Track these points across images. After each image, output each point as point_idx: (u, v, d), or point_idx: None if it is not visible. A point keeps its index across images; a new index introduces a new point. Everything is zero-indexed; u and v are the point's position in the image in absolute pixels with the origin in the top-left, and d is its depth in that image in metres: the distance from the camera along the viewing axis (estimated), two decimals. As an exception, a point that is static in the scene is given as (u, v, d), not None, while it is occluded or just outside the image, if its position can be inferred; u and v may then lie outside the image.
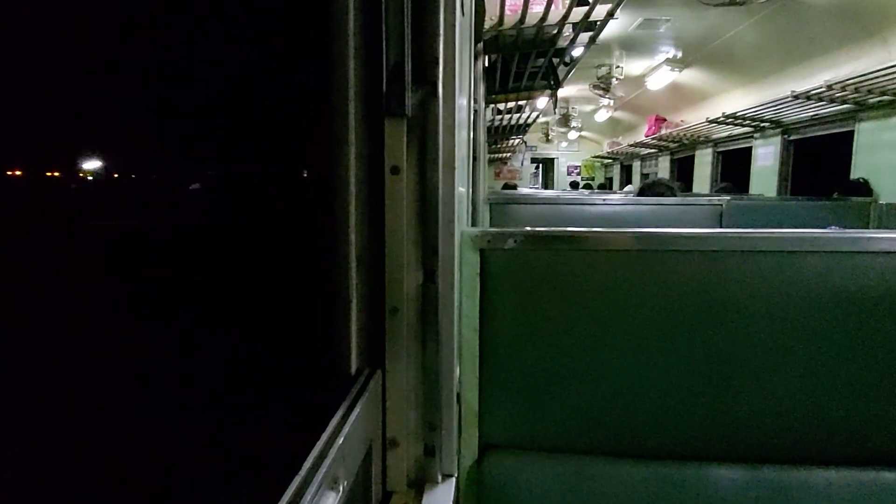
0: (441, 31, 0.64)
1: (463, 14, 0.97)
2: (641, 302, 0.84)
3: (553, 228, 0.87)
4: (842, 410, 0.82)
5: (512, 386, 0.87)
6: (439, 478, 0.76)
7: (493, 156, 9.44)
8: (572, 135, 9.36)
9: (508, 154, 10.03)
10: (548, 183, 11.01)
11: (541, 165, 11.32)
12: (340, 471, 0.51)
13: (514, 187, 7.26)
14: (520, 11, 2.10)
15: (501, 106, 4.60)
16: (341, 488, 0.51)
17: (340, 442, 0.52)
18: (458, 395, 0.88)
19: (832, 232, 0.84)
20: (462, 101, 1.04)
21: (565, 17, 2.14)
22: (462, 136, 0.85)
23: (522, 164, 10.53)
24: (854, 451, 0.82)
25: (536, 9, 2.13)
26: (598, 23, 2.21)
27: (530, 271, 0.86)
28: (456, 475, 0.79)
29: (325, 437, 0.52)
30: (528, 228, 0.86)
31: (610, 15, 2.10)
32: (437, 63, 0.64)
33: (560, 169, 10.59)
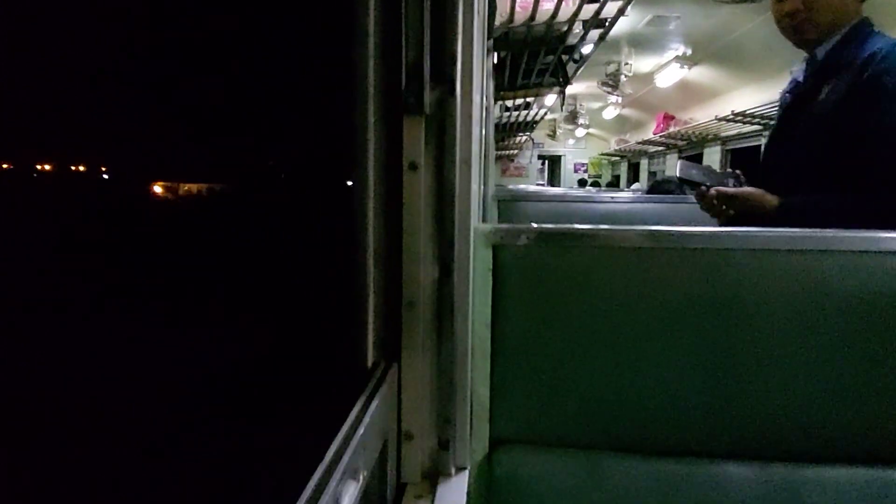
0: (459, 31, 0.65)
1: (478, 13, 0.98)
2: (652, 299, 0.84)
3: (564, 226, 0.87)
4: (853, 409, 0.82)
5: (523, 381, 0.88)
6: (452, 470, 0.77)
7: (499, 153, 9.42)
8: (580, 132, 9.33)
9: (515, 151, 10.02)
10: (554, 180, 10.97)
11: (547, 162, 11.29)
12: (360, 462, 0.52)
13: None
14: (530, 8, 2.10)
15: (509, 103, 4.60)
16: (361, 478, 0.52)
17: (361, 433, 0.53)
18: (470, 390, 0.88)
19: (847, 231, 0.83)
20: (476, 98, 1.05)
21: (576, 13, 2.14)
22: (476, 132, 0.86)
23: (531, 162, 10.51)
24: (865, 450, 0.82)
25: (547, 6, 2.13)
26: (609, 20, 2.20)
27: (542, 267, 0.86)
28: (468, 468, 0.80)
29: (345, 428, 0.53)
30: (540, 225, 0.87)
31: (621, 12, 2.10)
32: (456, 61, 0.65)
33: (567, 166, 10.56)
